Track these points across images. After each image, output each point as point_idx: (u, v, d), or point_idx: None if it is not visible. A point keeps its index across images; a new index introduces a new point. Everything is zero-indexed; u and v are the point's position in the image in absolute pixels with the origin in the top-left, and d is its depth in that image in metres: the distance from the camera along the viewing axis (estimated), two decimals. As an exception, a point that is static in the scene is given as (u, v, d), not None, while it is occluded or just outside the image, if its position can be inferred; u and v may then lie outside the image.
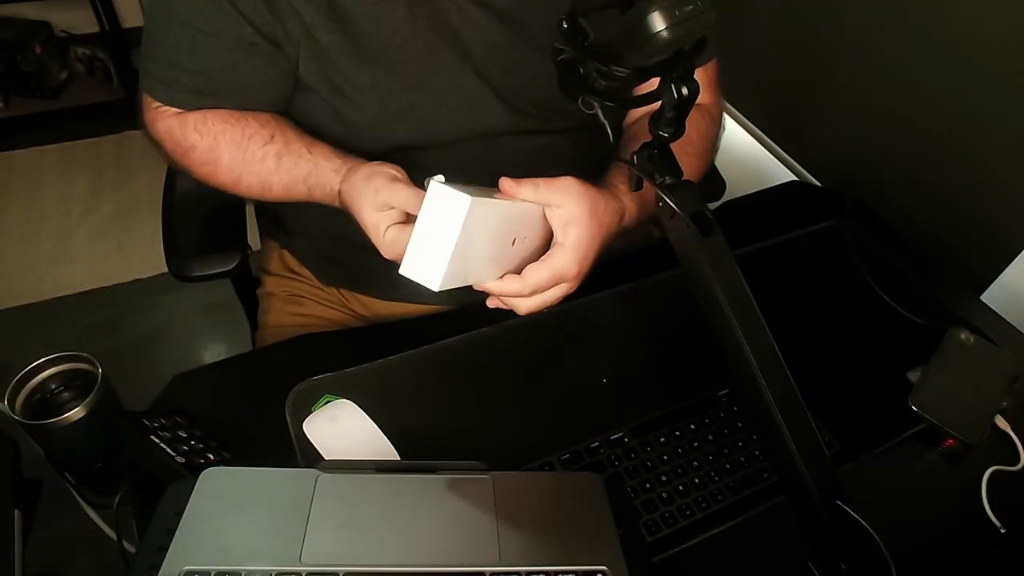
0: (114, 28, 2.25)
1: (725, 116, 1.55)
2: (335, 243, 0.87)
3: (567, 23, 0.50)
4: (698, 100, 0.51)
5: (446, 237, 0.55)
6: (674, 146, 0.55)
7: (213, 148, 0.73)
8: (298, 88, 0.74)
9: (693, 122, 0.81)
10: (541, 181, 0.63)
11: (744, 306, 0.50)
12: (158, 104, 0.74)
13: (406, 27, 0.70)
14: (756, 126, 1.51)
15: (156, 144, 0.77)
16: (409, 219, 0.64)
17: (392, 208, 0.64)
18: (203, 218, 0.92)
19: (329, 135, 0.75)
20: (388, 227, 0.64)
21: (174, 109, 0.74)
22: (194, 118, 0.74)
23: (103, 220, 2.09)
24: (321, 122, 0.75)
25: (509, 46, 0.73)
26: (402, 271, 0.57)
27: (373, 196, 0.65)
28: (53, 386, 0.66)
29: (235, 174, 0.74)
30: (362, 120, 0.73)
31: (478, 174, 0.78)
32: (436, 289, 0.56)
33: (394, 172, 0.66)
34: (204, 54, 0.70)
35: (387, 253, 0.65)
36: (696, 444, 0.70)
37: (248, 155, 0.73)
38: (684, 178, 0.54)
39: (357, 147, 0.74)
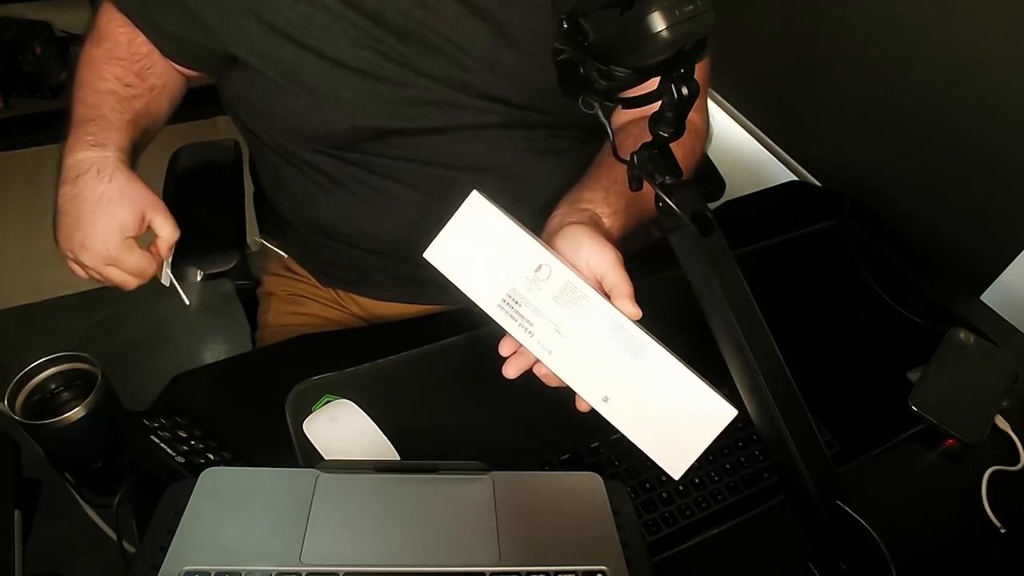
0: (114, 28, 2.24)
1: (725, 116, 1.56)
2: (329, 240, 0.87)
3: (567, 23, 0.50)
4: None
5: (704, 439, 0.55)
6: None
7: (97, 41, 0.79)
8: (247, 69, 0.74)
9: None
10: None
11: (744, 306, 0.50)
12: None
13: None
14: (756, 126, 1.50)
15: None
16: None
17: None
18: (202, 218, 0.91)
19: (288, 114, 0.75)
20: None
21: None
22: (116, 15, 0.79)
23: (103, 220, 2.09)
24: (279, 99, 0.75)
25: (488, 45, 0.73)
26: (661, 463, 0.56)
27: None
28: (53, 386, 0.67)
29: (82, 65, 0.79)
30: (324, 104, 0.73)
31: (465, 168, 0.78)
32: (676, 478, 0.57)
33: None
34: None
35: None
36: (696, 444, 0.70)
37: (100, 70, 0.77)
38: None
39: (323, 124, 0.74)
